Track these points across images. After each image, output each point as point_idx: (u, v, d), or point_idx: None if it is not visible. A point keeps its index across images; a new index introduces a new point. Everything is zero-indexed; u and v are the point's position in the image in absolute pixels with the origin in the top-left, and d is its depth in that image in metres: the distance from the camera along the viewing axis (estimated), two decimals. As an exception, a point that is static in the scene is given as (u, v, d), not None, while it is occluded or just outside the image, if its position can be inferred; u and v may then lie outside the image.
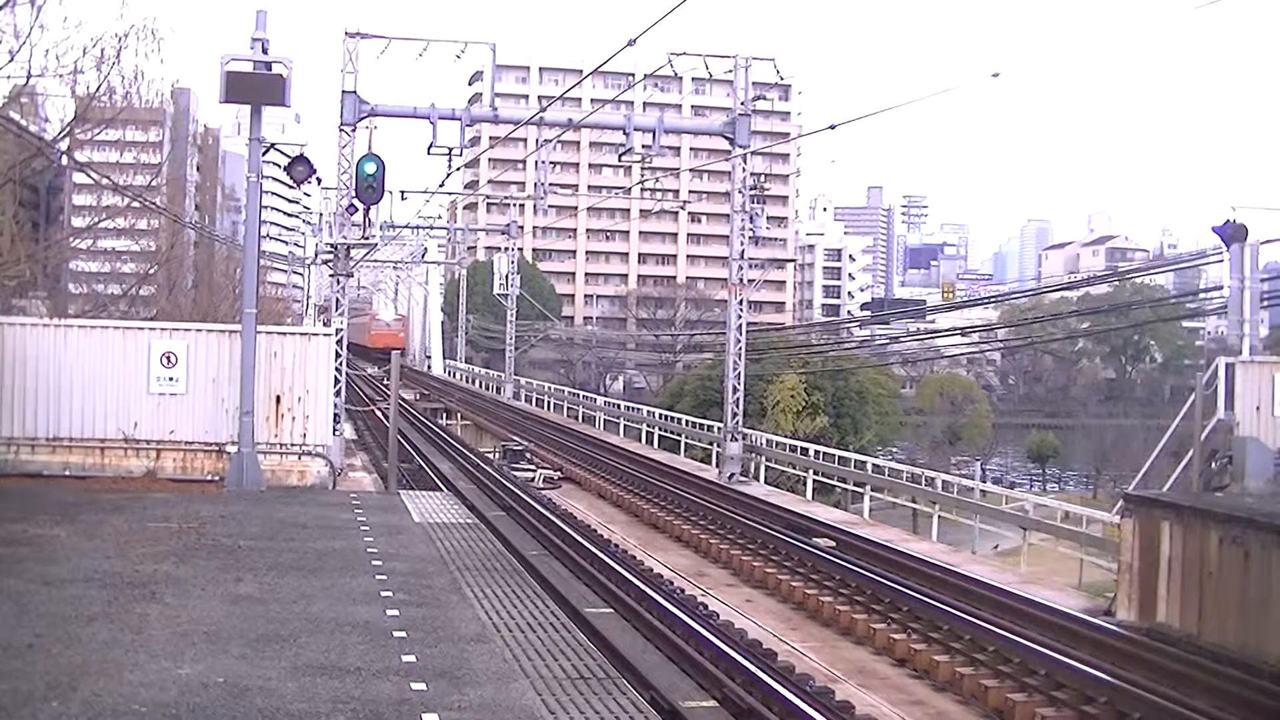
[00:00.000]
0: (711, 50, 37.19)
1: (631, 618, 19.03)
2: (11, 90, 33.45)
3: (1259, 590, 15.88)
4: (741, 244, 36.80)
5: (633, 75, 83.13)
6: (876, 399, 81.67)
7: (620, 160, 38.77)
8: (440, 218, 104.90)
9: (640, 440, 52.24)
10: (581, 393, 79.66)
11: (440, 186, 55.52)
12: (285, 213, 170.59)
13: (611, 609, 19.56)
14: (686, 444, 48.66)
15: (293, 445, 26.34)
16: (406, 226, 76.39)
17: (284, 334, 28.50)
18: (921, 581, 21.42)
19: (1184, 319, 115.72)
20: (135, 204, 46.38)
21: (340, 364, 31.08)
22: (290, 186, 32.73)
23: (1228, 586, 16.48)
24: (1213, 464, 24.56)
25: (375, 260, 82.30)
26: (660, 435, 51.87)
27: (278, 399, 26.25)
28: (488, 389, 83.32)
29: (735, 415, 36.72)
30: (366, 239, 33.95)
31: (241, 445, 25.06)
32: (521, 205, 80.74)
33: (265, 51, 25.01)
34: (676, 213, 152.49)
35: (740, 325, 37.34)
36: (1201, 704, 14.30)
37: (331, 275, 36.44)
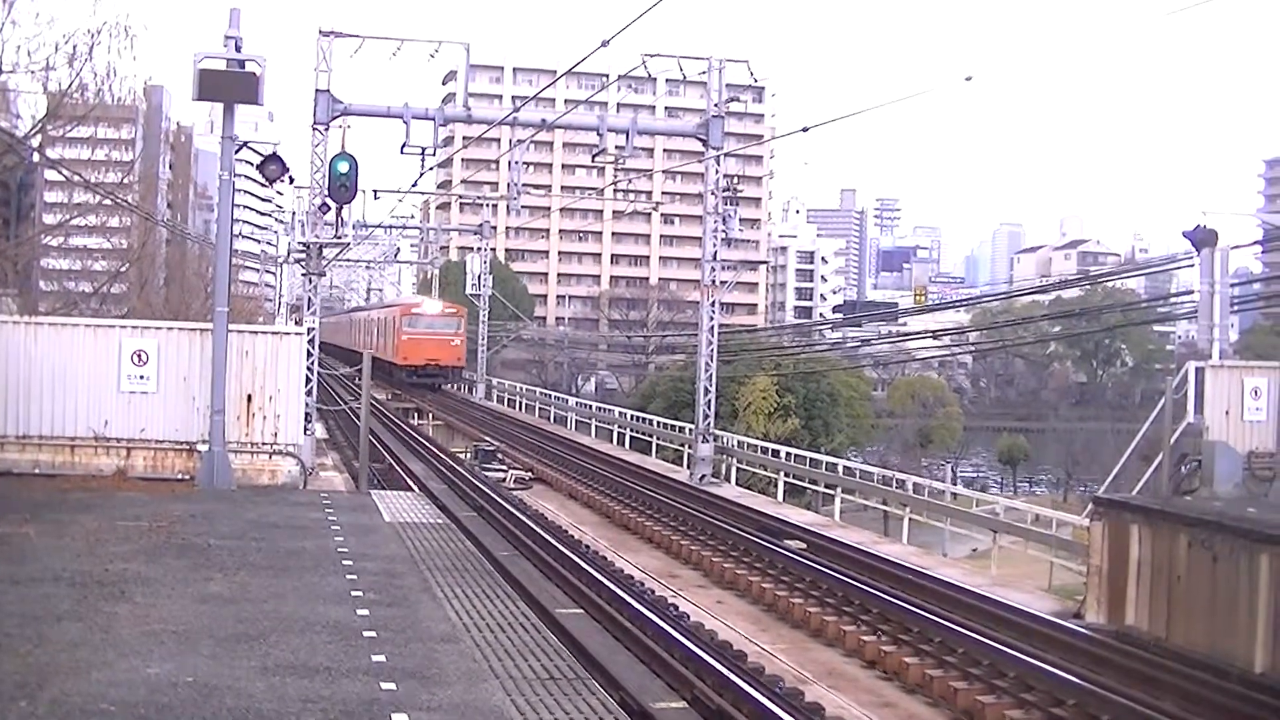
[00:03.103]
0: (685, 52, 37.12)
1: (602, 618, 19.02)
2: (-18, 86, 33.33)
3: (1226, 594, 16.00)
4: (714, 246, 36.76)
5: (606, 76, 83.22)
6: (848, 401, 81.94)
7: (594, 161, 38.86)
8: (413, 217, 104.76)
9: (612, 441, 52.15)
10: (553, 393, 79.54)
11: (413, 186, 55.28)
12: (258, 211, 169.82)
13: (582, 609, 19.54)
14: (658, 445, 48.63)
15: (264, 444, 26.22)
16: (379, 226, 76.17)
17: (255, 333, 28.36)
18: (892, 584, 21.46)
19: (1155, 323, 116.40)
20: (107, 201, 46.12)
21: (312, 363, 30.98)
22: (263, 185, 32.54)
23: (1196, 590, 16.59)
24: (1182, 468, 24.72)
25: (348, 260, 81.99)
26: (631, 436, 51.79)
27: (249, 398, 26.12)
28: (459, 389, 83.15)
29: (707, 417, 36.69)
30: (339, 238, 33.77)
31: (212, 444, 24.96)
32: (494, 205, 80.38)
33: (238, 49, 24.91)
34: (649, 214, 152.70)
35: (712, 327, 37.30)
36: (1169, 706, 14.39)
37: (304, 274, 36.31)
